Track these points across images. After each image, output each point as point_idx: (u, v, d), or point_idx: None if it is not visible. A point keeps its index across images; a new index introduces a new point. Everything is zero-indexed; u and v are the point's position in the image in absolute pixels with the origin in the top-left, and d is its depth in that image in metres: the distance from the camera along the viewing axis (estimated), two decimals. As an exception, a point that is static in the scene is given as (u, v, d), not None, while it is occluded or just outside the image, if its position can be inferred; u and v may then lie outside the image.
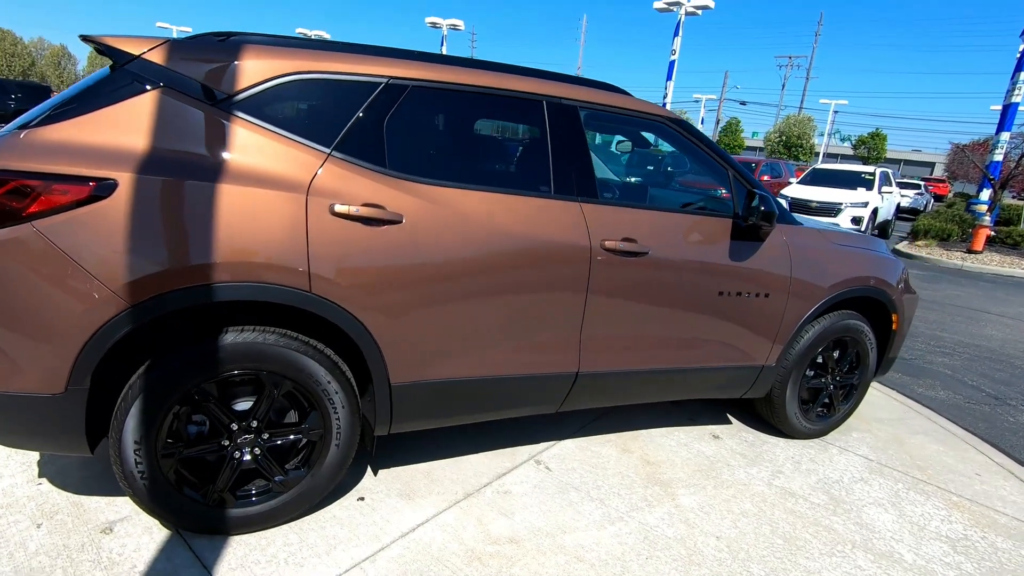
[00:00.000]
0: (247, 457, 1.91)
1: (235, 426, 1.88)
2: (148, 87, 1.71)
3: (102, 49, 1.76)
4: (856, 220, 11.75)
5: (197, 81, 1.76)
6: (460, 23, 25.89)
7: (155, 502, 1.82)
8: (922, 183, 25.42)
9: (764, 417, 3.16)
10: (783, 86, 50.65)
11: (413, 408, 2.12)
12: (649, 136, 3.31)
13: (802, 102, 49.08)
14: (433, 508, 2.22)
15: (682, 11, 19.14)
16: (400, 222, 1.92)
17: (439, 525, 2.13)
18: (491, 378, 2.21)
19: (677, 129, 2.59)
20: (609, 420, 3.09)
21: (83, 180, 1.56)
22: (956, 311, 7.12)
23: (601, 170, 3.55)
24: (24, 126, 1.66)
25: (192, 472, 1.88)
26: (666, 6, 19.23)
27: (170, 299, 1.65)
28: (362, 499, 2.24)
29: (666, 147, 3.83)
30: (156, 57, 1.74)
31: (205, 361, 1.75)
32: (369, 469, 2.43)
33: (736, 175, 2.66)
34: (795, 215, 3.19)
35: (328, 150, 1.87)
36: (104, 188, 1.58)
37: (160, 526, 1.97)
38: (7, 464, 2.23)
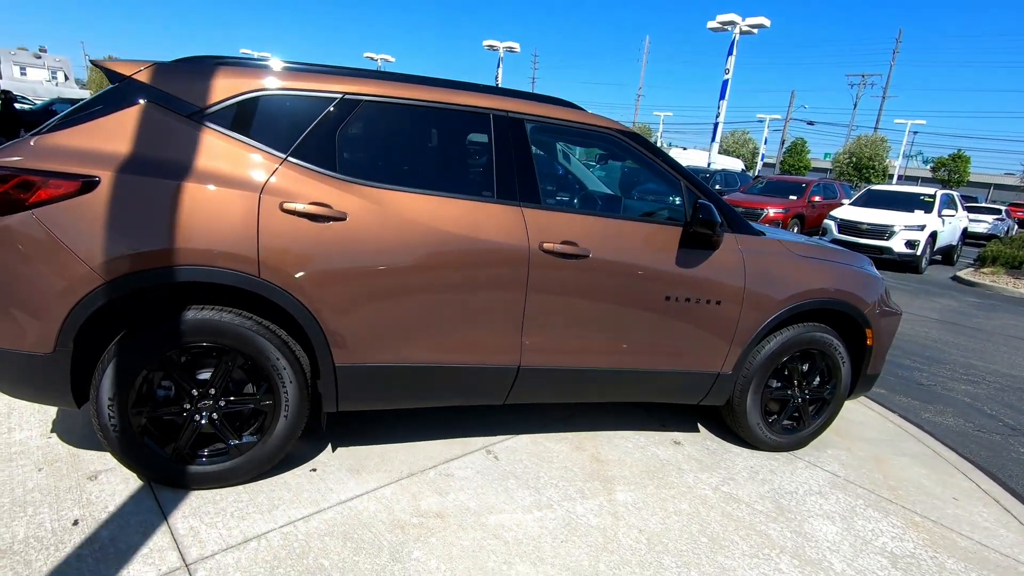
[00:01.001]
0: (204, 421, 2.19)
1: (195, 392, 2.16)
2: (134, 102, 2.05)
3: (105, 71, 2.13)
4: (911, 244, 11.15)
5: (175, 96, 2.09)
6: (516, 46, 26.63)
7: (125, 453, 2.12)
8: (1003, 208, 23.61)
9: (729, 426, 3.17)
10: (855, 105, 48.51)
11: (356, 388, 2.34)
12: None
13: (877, 122, 46.79)
14: (376, 483, 2.43)
15: (736, 30, 18.91)
16: (344, 219, 2.17)
17: (376, 497, 2.33)
18: (432, 366, 2.41)
19: (627, 141, 2.73)
20: (574, 420, 3.20)
21: (73, 177, 1.91)
22: (1003, 340, 6.67)
23: (590, 180, 3.70)
24: (37, 132, 2.03)
25: (158, 430, 2.18)
26: (720, 25, 19.06)
27: (138, 278, 1.96)
28: (314, 470, 2.48)
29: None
30: (144, 77, 2.09)
31: (170, 333, 2.05)
32: (330, 446, 2.67)
33: (688, 185, 2.76)
34: (762, 227, 3.23)
35: (284, 156, 2.16)
36: (89, 184, 1.92)
37: (136, 479, 2.27)
38: (28, 421, 2.62)
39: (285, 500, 2.25)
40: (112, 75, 2.10)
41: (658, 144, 50.35)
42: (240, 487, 2.30)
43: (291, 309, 2.14)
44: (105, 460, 2.37)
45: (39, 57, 54.88)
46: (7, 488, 2.16)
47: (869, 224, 11.50)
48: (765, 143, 45.92)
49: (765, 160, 49.89)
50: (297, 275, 2.11)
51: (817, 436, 3.24)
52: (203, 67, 2.18)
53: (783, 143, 48.39)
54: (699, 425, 3.36)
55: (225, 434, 2.23)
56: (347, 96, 2.27)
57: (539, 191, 2.49)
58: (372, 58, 34.23)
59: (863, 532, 2.51)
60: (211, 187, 2.03)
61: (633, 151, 2.75)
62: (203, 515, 2.12)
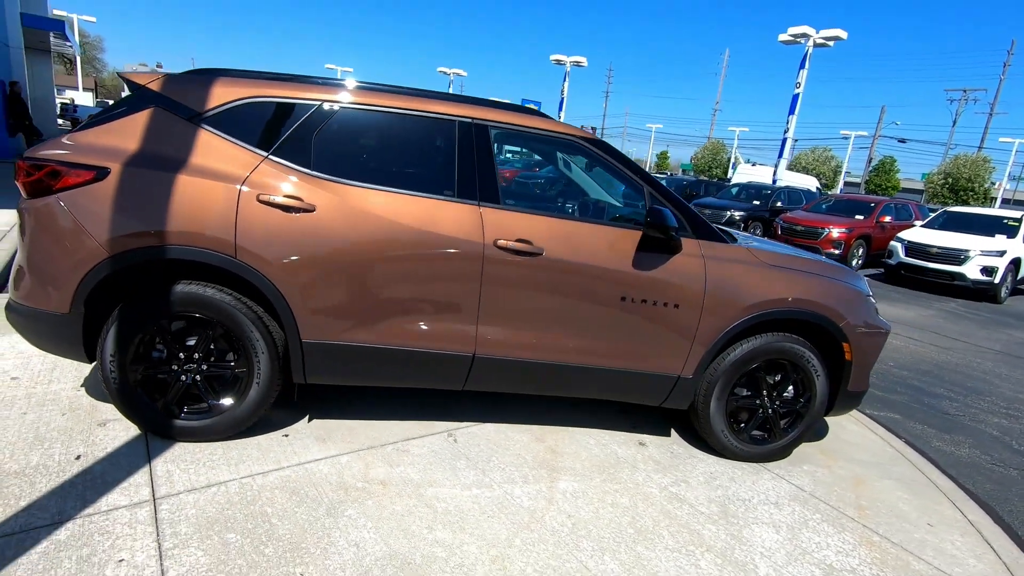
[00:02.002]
0: (189, 381, 2.53)
1: (182, 355, 2.51)
2: (145, 106, 2.44)
3: (126, 81, 2.54)
4: (987, 271, 10.29)
5: (179, 103, 2.46)
6: (583, 60, 26.84)
7: (123, 403, 2.49)
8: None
9: (696, 430, 3.19)
10: (953, 123, 44.89)
11: (321, 363, 2.61)
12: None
13: (982, 141, 43.10)
14: (336, 451, 2.68)
15: (809, 43, 18.20)
16: (313, 211, 2.46)
17: (332, 462, 2.58)
18: (391, 349, 2.64)
19: (592, 148, 2.87)
20: (545, 414, 3.32)
21: (89, 167, 2.31)
22: (1069, 377, 6.07)
23: (592, 189, 3.83)
24: (71, 131, 2.46)
25: (151, 386, 2.53)
26: (792, 38, 18.43)
27: (134, 254, 2.32)
28: (286, 436, 2.77)
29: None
30: (155, 86, 2.48)
31: (162, 303, 2.41)
32: (307, 418, 2.96)
33: (652, 191, 2.86)
34: (735, 232, 3.24)
35: (266, 154, 2.48)
36: (101, 174, 2.31)
37: (136, 429, 2.65)
38: (66, 375, 3.09)
39: (252, 457, 2.55)
40: (131, 84, 2.50)
41: (731, 159, 48.83)
42: (218, 444, 2.62)
43: (263, 288, 2.44)
44: (116, 412, 2.77)
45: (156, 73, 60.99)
46: (35, 427, 2.58)
47: (940, 248, 10.73)
48: (848, 161, 43.36)
49: (848, 179, 47.12)
50: (268, 258, 2.42)
51: (791, 450, 3.19)
52: (204, 77, 2.55)
53: (870, 161, 45.50)
54: (672, 430, 3.39)
55: (206, 394, 2.56)
56: (324, 103, 2.57)
57: (498, 192, 2.68)
58: (445, 72, 35.60)
59: (806, 544, 2.48)
60: (200, 179, 2.37)
61: (598, 158, 2.88)
62: (180, 462, 2.45)
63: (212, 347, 2.54)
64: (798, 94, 18.80)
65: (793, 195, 16.26)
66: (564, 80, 27.74)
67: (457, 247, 2.58)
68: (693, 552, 2.31)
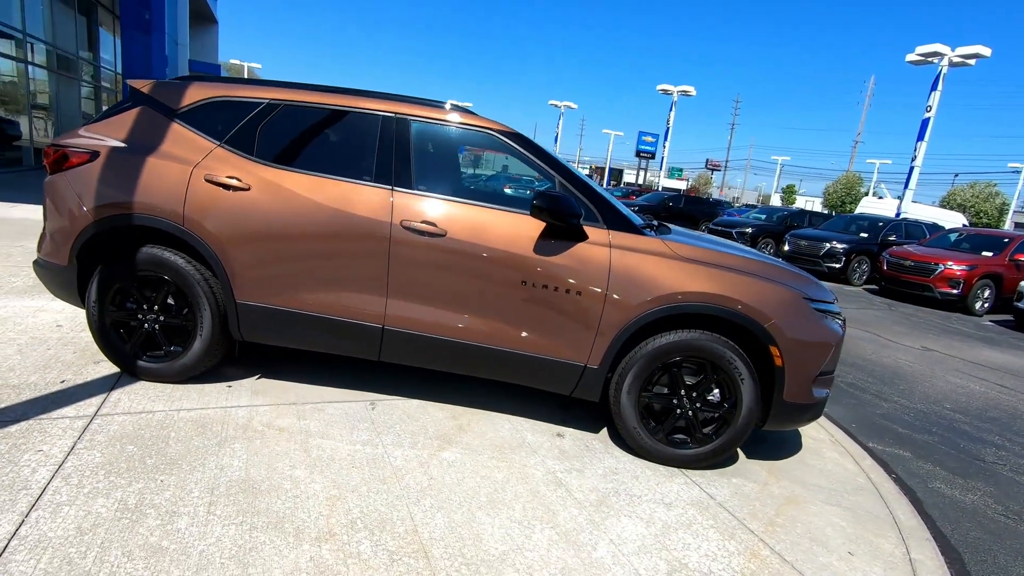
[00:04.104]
0: (149, 328, 3.04)
1: (145, 306, 3.04)
2: (136, 105, 3.06)
3: (126, 86, 3.19)
4: None
5: (161, 102, 3.05)
6: (691, 89, 26.26)
7: (101, 341, 3.06)
8: None
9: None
10: None
11: (253, 323, 3.01)
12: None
13: None
14: (261, 402, 3.04)
15: (943, 63, 16.36)
16: (248, 190, 2.89)
17: (251, 409, 2.94)
18: (311, 315, 2.97)
19: (506, 141, 3.03)
20: (482, 397, 3.44)
21: (84, 151, 2.94)
22: None
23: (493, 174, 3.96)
24: (88, 122, 3.14)
25: (123, 329, 3.09)
26: (922, 58, 16.69)
27: (111, 220, 2.90)
28: (230, 387, 3.19)
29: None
30: (146, 89, 3.10)
31: (131, 261, 2.96)
32: (257, 375, 3.37)
33: (562, 180, 2.96)
34: (679, 229, 3.17)
35: (219, 143, 2.97)
36: (93, 156, 2.93)
37: (118, 368, 3.22)
38: (83, 323, 3.81)
39: (189, 397, 2.99)
40: (131, 88, 3.15)
41: (869, 193, 44.31)
42: (172, 385, 3.10)
43: (203, 252, 2.90)
44: (113, 355, 3.37)
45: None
46: (48, 359, 3.25)
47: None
48: (1018, 198, 37.43)
49: (1019, 219, 40.58)
50: (209, 227, 2.88)
51: (718, 458, 3.00)
52: (184, 81, 3.12)
53: (1048, 198, 38.86)
54: (604, 429, 3.34)
55: (162, 342, 3.06)
56: (271, 101, 3.02)
57: (412, 178, 2.94)
58: (556, 105, 36.68)
59: (673, 542, 2.37)
60: (164, 162, 2.91)
61: (512, 149, 3.04)
62: (133, 394, 2.95)
63: (170, 302, 3.05)
64: (928, 119, 16.88)
65: (912, 228, 14.53)
66: (670, 110, 27.33)
67: (367, 226, 2.87)
68: (534, 526, 2.32)
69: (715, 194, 57.61)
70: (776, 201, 61.33)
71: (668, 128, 27.56)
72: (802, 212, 17.54)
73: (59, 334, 3.64)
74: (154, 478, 2.27)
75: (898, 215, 17.24)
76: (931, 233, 14.22)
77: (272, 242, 2.90)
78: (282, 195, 2.89)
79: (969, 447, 4.11)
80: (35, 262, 3.17)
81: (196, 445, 2.55)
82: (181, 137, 2.98)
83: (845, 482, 3.18)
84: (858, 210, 20.53)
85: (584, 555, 2.19)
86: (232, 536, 2.00)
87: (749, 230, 15.77)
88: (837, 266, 13.29)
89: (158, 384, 3.09)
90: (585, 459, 2.95)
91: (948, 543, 2.82)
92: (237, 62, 35.88)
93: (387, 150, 2.97)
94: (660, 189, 33.46)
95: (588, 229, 2.89)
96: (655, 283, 2.82)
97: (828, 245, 13.45)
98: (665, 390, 2.97)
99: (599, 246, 2.86)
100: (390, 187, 2.92)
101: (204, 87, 3.08)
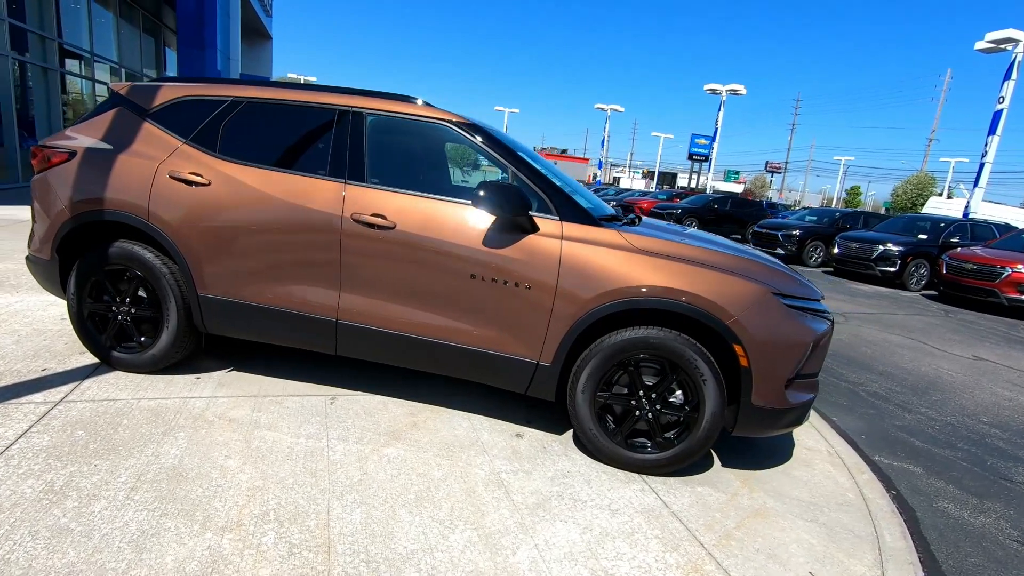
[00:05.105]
0: (121, 320, 3.16)
1: (118, 299, 3.16)
2: (114, 106, 3.20)
3: (109, 90, 3.34)
4: None
5: (135, 103, 3.17)
6: (741, 88, 25.29)
7: (79, 329, 3.20)
8: None
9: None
10: None
11: (214, 316, 3.07)
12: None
13: None
14: (223, 394, 3.10)
15: (1018, 49, 15.05)
16: (208, 185, 2.96)
17: (208, 401, 2.99)
18: (270, 308, 3.00)
19: (458, 131, 2.96)
20: (445, 398, 3.37)
21: (63, 150, 3.10)
22: None
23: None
24: (72, 124, 3.31)
25: (99, 321, 3.22)
26: (993, 46, 15.41)
27: (85, 215, 3.03)
28: (198, 378, 3.27)
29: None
30: (123, 91, 3.23)
31: (101, 256, 3.08)
32: (229, 369, 3.44)
33: (516, 171, 2.86)
34: (653, 221, 3.01)
35: (184, 140, 3.06)
36: (71, 155, 3.08)
37: (97, 359, 3.36)
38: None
39: (155, 387, 3.08)
40: (110, 91, 3.29)
41: (943, 194, 41.29)
42: (144, 375, 3.20)
43: (167, 246, 2.99)
44: (100, 347, 3.53)
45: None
46: (40, 348, 3.44)
47: None
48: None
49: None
50: (171, 221, 2.96)
51: (680, 464, 2.80)
52: (157, 83, 3.24)
53: None
54: (570, 432, 3.19)
55: (133, 333, 3.17)
56: (233, 99, 3.09)
57: (365, 171, 2.92)
58: (602, 108, 36.27)
59: (604, 551, 2.21)
60: (133, 159, 3.03)
61: (465, 139, 2.96)
62: (102, 382, 3.07)
63: (141, 295, 3.16)
64: (1001, 111, 15.53)
65: (980, 230, 13.37)
66: (719, 109, 26.42)
67: (320, 219, 2.87)
68: (456, 527, 2.23)
69: (774, 197, 55.27)
70: (840, 205, 58.15)
71: (717, 129, 26.65)
72: (856, 213, 16.49)
73: (59, 327, 3.85)
74: (89, 462, 2.33)
75: (966, 215, 15.93)
76: (1001, 234, 13.05)
77: (231, 236, 2.95)
78: (240, 190, 2.94)
79: (997, 464, 3.69)
80: (26, 258, 3.36)
81: (142, 433, 2.61)
82: (151, 136, 3.09)
83: (830, 497, 2.91)
84: (924, 211, 19.13)
85: (500, 559, 2.08)
86: (140, 521, 2.02)
87: (796, 232, 14.97)
88: (891, 270, 12.39)
89: (131, 374, 3.21)
90: (538, 461, 2.83)
91: (938, 568, 2.51)
92: (293, 75, 37.56)
93: (341, 144, 2.97)
94: (712, 191, 32.39)
95: (540, 220, 2.78)
96: (606, 276, 2.67)
97: (882, 247, 12.57)
98: (625, 390, 2.81)
99: (550, 238, 2.74)
100: (343, 180, 2.92)
101: (175, 87, 3.18)
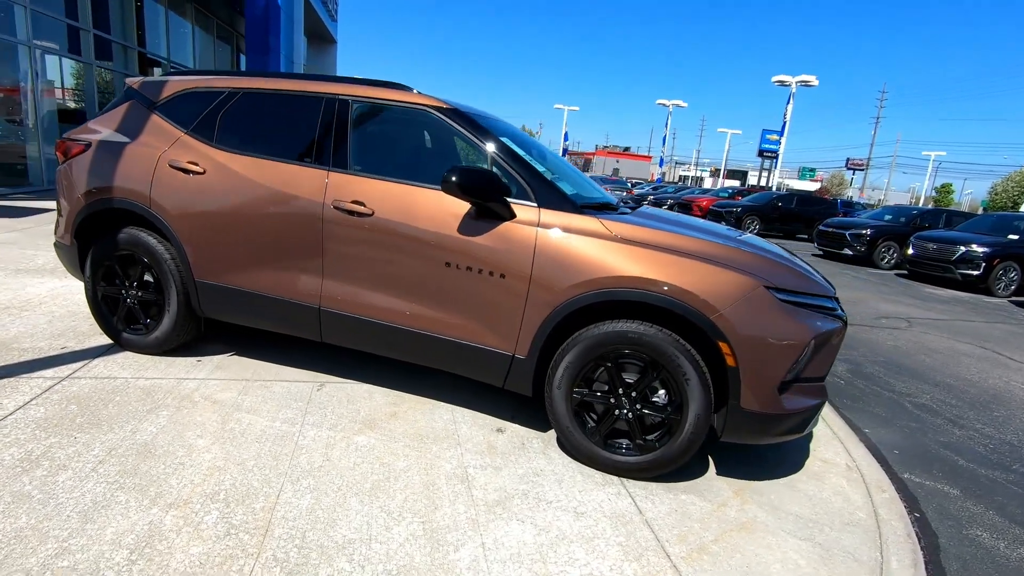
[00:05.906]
0: (129, 303, 3.32)
1: (127, 283, 3.32)
2: (127, 100, 3.37)
3: (125, 86, 3.52)
4: None
5: (145, 96, 3.33)
6: (813, 79, 23.75)
7: (94, 310, 3.40)
8: None
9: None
10: None
11: (209, 300, 3.16)
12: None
13: None
14: (216, 376, 3.19)
15: None
16: (203, 174, 3.05)
17: (201, 382, 3.09)
18: (259, 294, 3.06)
19: (440, 117, 2.89)
20: (435, 389, 3.33)
21: (81, 142, 3.29)
22: None
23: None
24: (94, 117, 3.52)
25: (112, 304, 3.40)
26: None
27: (96, 203, 3.21)
28: (199, 360, 3.39)
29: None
30: (135, 85, 3.40)
31: (112, 242, 3.25)
32: (230, 353, 3.55)
33: (494, 156, 2.76)
34: (649, 209, 2.84)
35: (185, 131, 3.17)
36: (87, 147, 3.27)
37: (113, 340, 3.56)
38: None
39: (158, 368, 3.21)
40: (125, 85, 3.47)
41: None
42: (148, 356, 3.36)
43: (166, 232, 3.11)
44: (120, 329, 3.74)
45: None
46: (65, 328, 3.68)
47: None
48: None
49: None
50: (169, 209, 3.08)
51: (661, 469, 2.61)
52: (166, 77, 3.38)
53: None
54: (555, 433, 3.05)
55: (139, 316, 3.33)
56: (230, 89, 3.17)
57: (347, 158, 2.92)
58: (664, 104, 35.23)
59: (555, 555, 2.08)
60: (139, 149, 3.17)
61: (446, 125, 2.89)
62: (110, 362, 3.24)
63: (147, 279, 3.31)
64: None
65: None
66: (788, 102, 24.97)
67: (304, 206, 2.90)
68: (404, 519, 2.17)
69: (854, 196, 51.76)
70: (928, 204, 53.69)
71: (785, 123, 25.13)
72: (937, 211, 15.11)
73: (85, 308, 4.10)
74: (71, 435, 2.45)
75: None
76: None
77: (223, 223, 3.03)
78: (232, 178, 3.01)
79: (1056, 491, 3.22)
80: (54, 244, 3.61)
81: (129, 410, 2.72)
82: (156, 127, 3.23)
83: (836, 515, 2.62)
84: (1023, 210, 17.27)
85: (439, 555, 2.00)
86: (96, 493, 2.09)
87: (867, 232, 13.88)
88: (975, 273, 11.25)
89: (139, 355, 3.37)
90: (512, 457, 2.72)
91: (950, 604, 2.20)
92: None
93: (326, 131, 2.98)
94: (784, 189, 30.68)
95: (517, 207, 2.67)
96: (582, 265, 2.53)
97: (963, 248, 11.43)
98: (605, 387, 2.66)
99: (526, 225, 2.63)
100: (327, 168, 2.93)
101: (181, 80, 3.31)
